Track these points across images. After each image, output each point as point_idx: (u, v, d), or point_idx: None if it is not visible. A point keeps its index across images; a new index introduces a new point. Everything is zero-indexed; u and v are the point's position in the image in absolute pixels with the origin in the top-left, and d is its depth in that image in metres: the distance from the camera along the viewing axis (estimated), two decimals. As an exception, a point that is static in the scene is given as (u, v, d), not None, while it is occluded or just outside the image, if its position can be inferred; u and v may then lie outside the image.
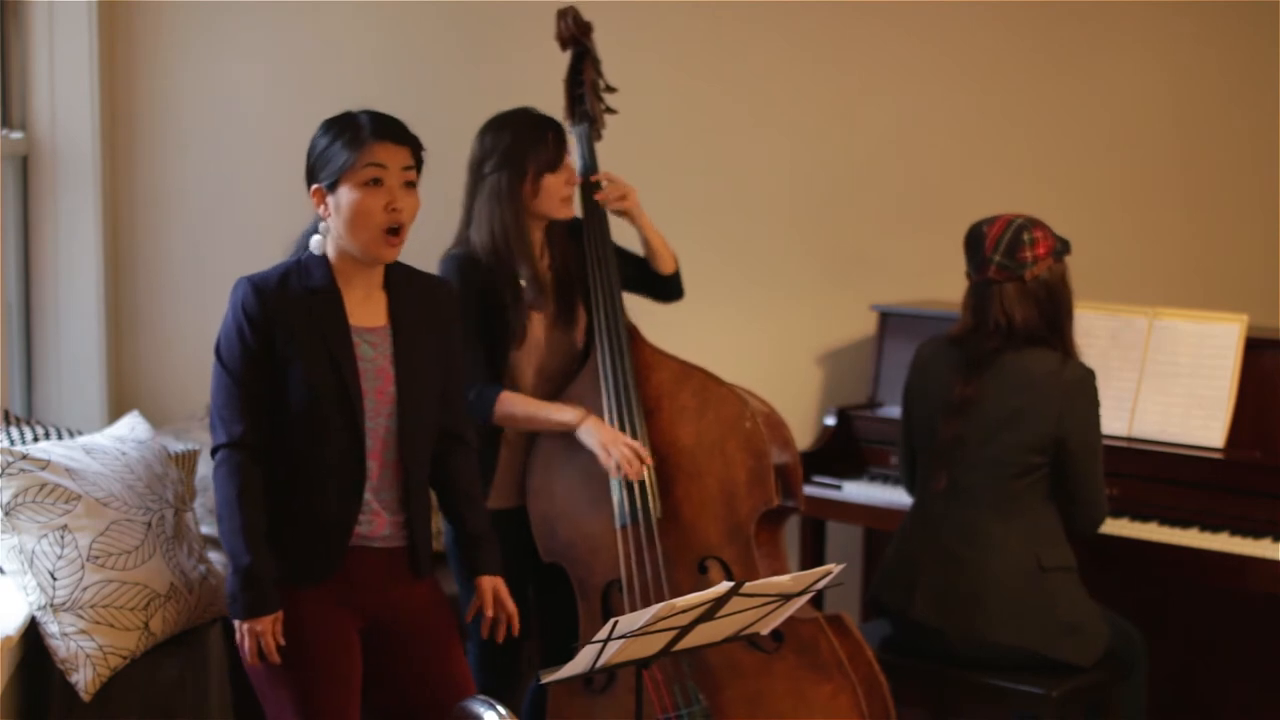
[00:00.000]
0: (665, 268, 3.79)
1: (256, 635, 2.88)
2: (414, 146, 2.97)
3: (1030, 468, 3.62)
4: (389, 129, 2.94)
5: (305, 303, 2.92)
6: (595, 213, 3.72)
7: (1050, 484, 3.64)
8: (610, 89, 3.82)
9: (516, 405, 3.55)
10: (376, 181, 2.90)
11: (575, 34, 3.80)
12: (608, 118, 3.83)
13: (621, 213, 3.74)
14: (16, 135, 4.20)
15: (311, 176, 2.97)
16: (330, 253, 2.97)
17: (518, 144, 3.56)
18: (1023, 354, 3.63)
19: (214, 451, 2.93)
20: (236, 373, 2.90)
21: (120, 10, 4.46)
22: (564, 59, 3.86)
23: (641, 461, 3.52)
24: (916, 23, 4.86)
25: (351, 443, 2.93)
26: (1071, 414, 3.60)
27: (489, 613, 3.11)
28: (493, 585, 3.11)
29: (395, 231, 2.91)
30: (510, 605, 3.12)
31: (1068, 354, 3.65)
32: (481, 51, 4.67)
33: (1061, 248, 3.68)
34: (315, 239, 2.98)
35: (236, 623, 2.90)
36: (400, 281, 3.03)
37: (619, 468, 3.50)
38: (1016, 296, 3.63)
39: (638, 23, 4.65)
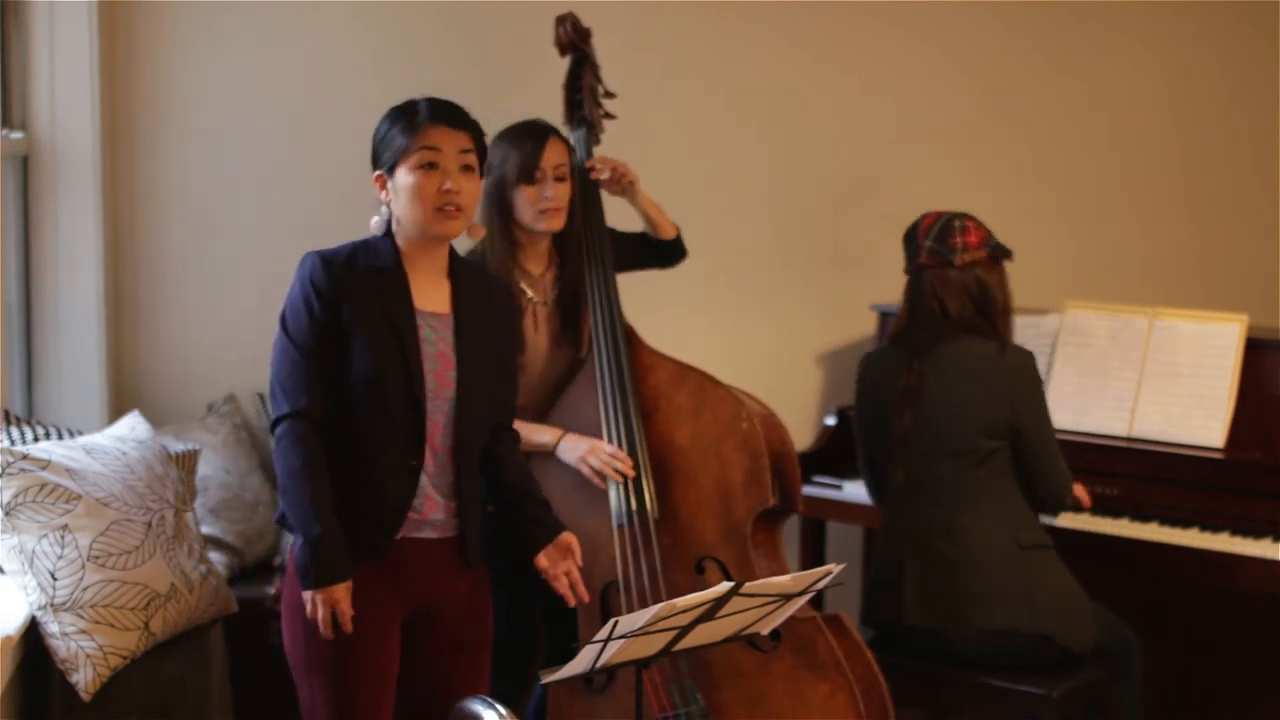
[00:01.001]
0: (666, 234, 3.82)
1: (331, 604, 2.85)
2: (473, 131, 3.00)
3: (988, 453, 3.65)
4: (445, 113, 2.98)
5: (372, 280, 2.93)
6: (591, 214, 3.71)
7: (1012, 466, 3.67)
8: (609, 94, 3.83)
9: None
10: (431, 165, 2.92)
11: (574, 40, 3.80)
12: (607, 122, 3.83)
13: (621, 193, 3.75)
14: (16, 135, 4.20)
15: (374, 163, 3.01)
16: (397, 236, 2.99)
17: (499, 155, 3.59)
18: (960, 343, 3.67)
19: (274, 424, 2.91)
20: (303, 344, 2.90)
21: (120, 10, 4.46)
22: (563, 61, 3.86)
23: (623, 461, 3.52)
24: (917, 23, 4.86)
25: (412, 421, 2.92)
26: (1020, 399, 3.64)
27: (575, 564, 3.08)
28: (569, 541, 3.09)
29: (449, 208, 2.93)
30: (579, 557, 3.10)
31: (1004, 343, 3.69)
32: (482, 52, 4.67)
33: (996, 246, 3.72)
34: (375, 220, 3.00)
35: (308, 594, 2.85)
36: (463, 272, 3.06)
37: (602, 476, 3.53)
38: (947, 282, 3.69)
39: (637, 24, 4.65)
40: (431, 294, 3.00)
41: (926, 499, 3.69)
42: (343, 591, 2.86)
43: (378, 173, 2.99)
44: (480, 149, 3.01)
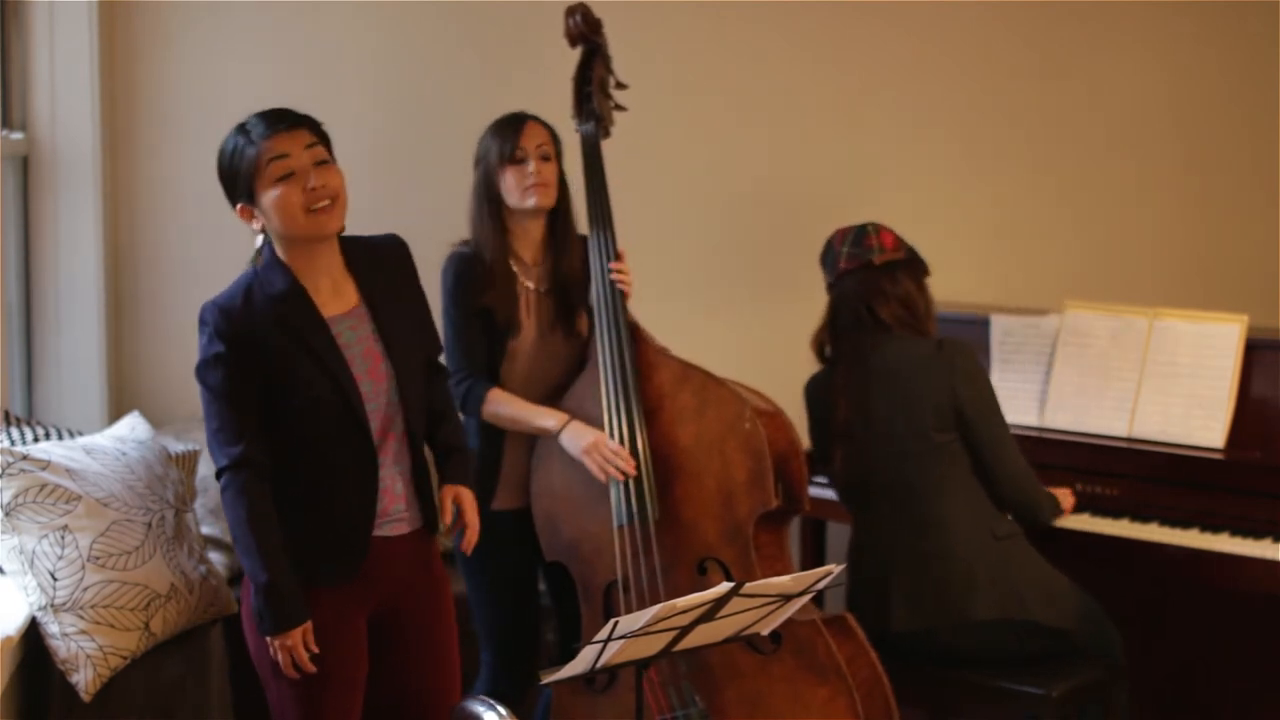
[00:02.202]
0: None
1: (288, 649, 2.88)
2: (309, 125, 2.94)
3: (941, 446, 3.66)
4: (277, 119, 2.92)
5: (274, 310, 2.91)
6: (598, 205, 3.70)
7: (971, 459, 3.69)
8: (621, 86, 3.80)
9: (504, 405, 3.57)
10: (288, 174, 2.88)
11: (585, 31, 3.77)
12: (617, 115, 3.82)
13: None
14: (16, 135, 4.20)
15: (231, 198, 2.97)
16: (283, 256, 2.95)
17: (482, 149, 3.61)
18: (895, 344, 3.70)
19: (218, 474, 2.92)
20: (225, 394, 2.88)
21: (120, 10, 4.45)
22: (564, 59, 3.85)
23: (625, 460, 3.52)
24: (918, 23, 4.86)
25: (356, 431, 2.92)
26: (961, 384, 3.65)
27: (446, 519, 3.09)
28: (454, 493, 3.11)
29: (322, 206, 2.89)
30: (472, 517, 3.11)
31: (941, 339, 3.71)
32: (482, 51, 4.67)
33: (912, 254, 3.75)
34: (259, 239, 2.97)
35: (268, 639, 2.89)
36: (359, 257, 3.03)
37: (603, 472, 3.53)
38: (869, 281, 3.71)
39: (639, 23, 4.64)
40: (337, 295, 2.97)
41: (897, 502, 3.70)
42: (298, 635, 2.88)
43: (239, 205, 2.95)
44: (324, 139, 2.95)
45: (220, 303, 2.92)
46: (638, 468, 3.56)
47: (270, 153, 2.88)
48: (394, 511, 2.99)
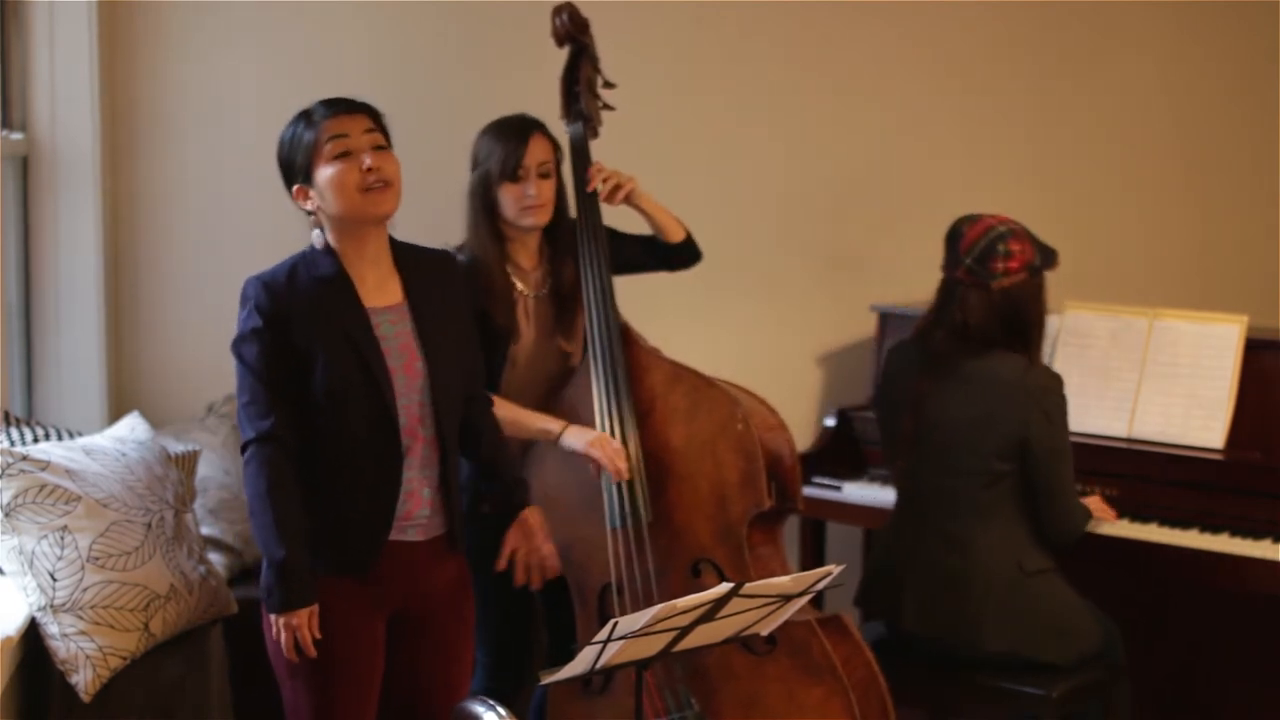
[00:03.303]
0: (673, 237, 3.76)
1: (293, 629, 2.87)
2: (369, 112, 2.99)
3: (998, 475, 3.62)
4: (338, 103, 2.98)
5: (317, 292, 2.93)
6: (587, 212, 3.70)
7: (1022, 491, 3.64)
8: (609, 85, 3.80)
9: (502, 410, 3.56)
10: (345, 153, 2.92)
11: (571, 31, 3.76)
12: (607, 116, 3.81)
13: (617, 203, 3.73)
14: (16, 135, 4.20)
15: (288, 180, 3.00)
16: (333, 242, 2.97)
17: (484, 150, 3.59)
18: (984, 359, 3.64)
19: (243, 448, 2.92)
20: (259, 370, 2.90)
21: (120, 10, 4.46)
22: (556, 58, 3.84)
23: (624, 460, 3.52)
24: (915, 23, 4.86)
25: (384, 423, 2.92)
26: (1036, 419, 3.59)
27: (521, 547, 3.16)
28: (536, 514, 3.17)
29: (377, 187, 2.91)
30: (545, 546, 3.18)
31: (1032, 361, 3.64)
32: (481, 51, 4.67)
33: (1041, 261, 3.66)
34: (315, 233, 2.99)
35: (272, 616, 2.89)
36: (409, 259, 3.05)
37: (601, 469, 3.52)
38: (977, 304, 3.63)
39: (633, 23, 4.65)
40: (381, 288, 2.99)
41: (936, 509, 3.68)
42: (305, 616, 2.87)
43: (296, 186, 2.98)
44: (383, 128, 2.99)
45: (264, 278, 2.94)
46: (630, 470, 3.55)
47: (329, 132, 2.93)
48: (417, 516, 2.99)
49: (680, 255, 3.81)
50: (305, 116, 2.98)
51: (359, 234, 2.96)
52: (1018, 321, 3.63)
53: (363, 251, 2.97)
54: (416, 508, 2.98)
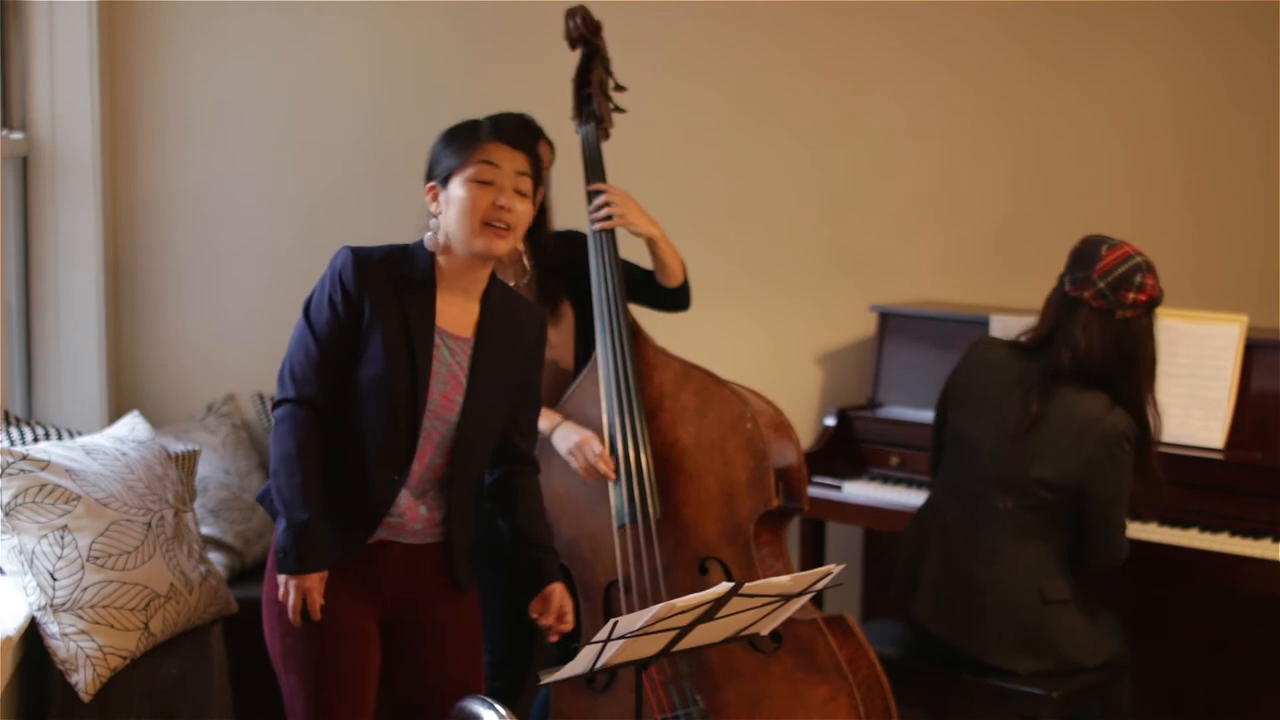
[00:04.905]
0: (670, 281, 3.76)
1: (303, 592, 2.87)
2: (530, 154, 2.98)
3: (1043, 503, 3.60)
4: (507, 131, 2.97)
5: (400, 288, 2.93)
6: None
7: (1061, 518, 3.62)
8: (621, 88, 3.80)
9: None
10: (487, 181, 2.92)
11: (584, 34, 3.77)
12: (617, 117, 3.81)
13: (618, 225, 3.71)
14: (16, 135, 4.20)
15: (428, 174, 3.00)
16: (440, 252, 2.98)
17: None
18: (1080, 393, 3.57)
19: (276, 404, 2.92)
20: (321, 336, 2.91)
21: (120, 10, 4.46)
22: (564, 60, 3.85)
23: (605, 463, 3.52)
24: (916, 24, 4.86)
25: (405, 435, 2.92)
26: (1098, 464, 3.55)
27: (551, 619, 3.10)
28: (563, 591, 3.11)
29: (499, 226, 2.91)
30: (570, 617, 3.12)
31: (1124, 401, 3.56)
32: (483, 52, 4.67)
33: (1154, 304, 3.59)
34: (428, 235, 2.99)
35: (283, 578, 2.87)
36: (496, 298, 3.03)
37: (586, 472, 3.52)
38: (1101, 332, 3.56)
39: (639, 24, 4.65)
40: (458, 315, 2.98)
41: (975, 513, 3.67)
42: (316, 580, 2.87)
43: (430, 184, 2.98)
44: (537, 173, 2.99)
45: (359, 252, 2.94)
46: (640, 468, 3.56)
47: (485, 155, 2.92)
48: (412, 528, 2.99)
49: (670, 299, 3.80)
50: (472, 127, 2.97)
51: (463, 259, 2.96)
52: (1135, 358, 3.57)
53: (459, 276, 2.97)
54: (412, 521, 2.98)
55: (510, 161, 2.94)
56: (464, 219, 2.91)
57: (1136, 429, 3.57)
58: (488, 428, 3.01)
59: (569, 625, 3.12)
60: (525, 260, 3.67)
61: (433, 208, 2.97)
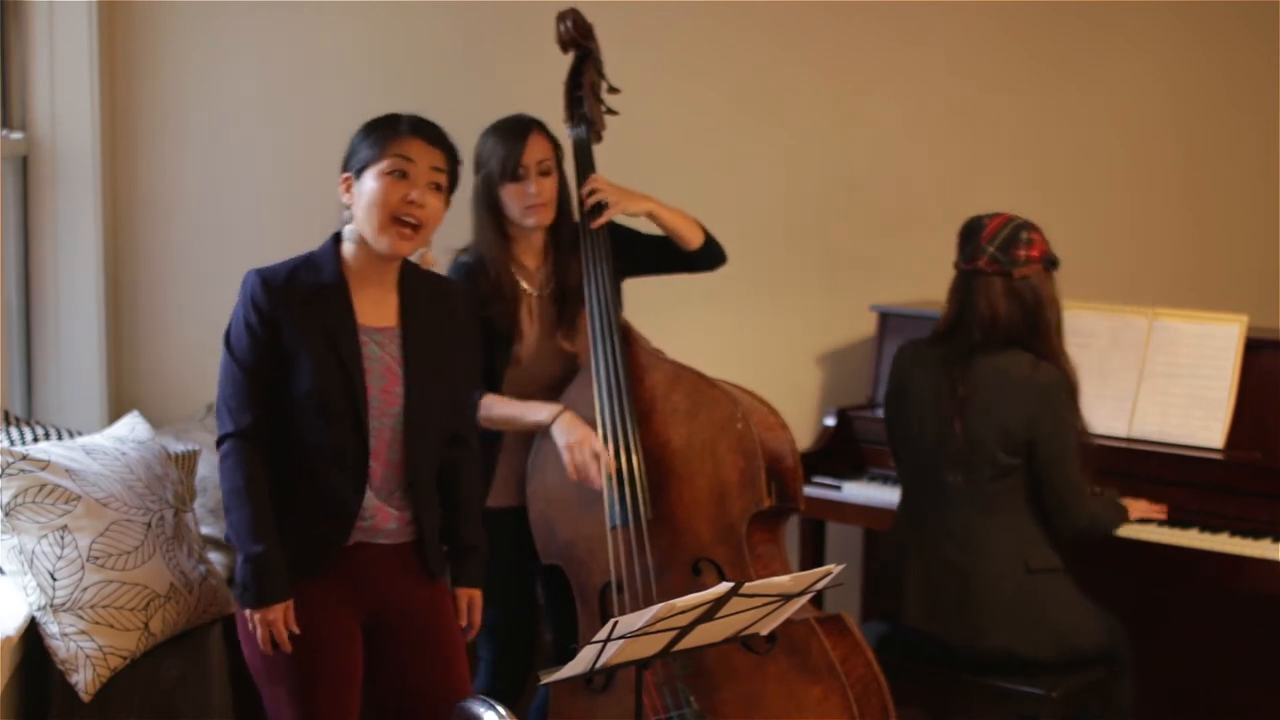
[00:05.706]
0: (690, 244, 3.73)
1: (269, 624, 2.88)
2: (448, 152, 2.98)
3: (1005, 469, 3.63)
4: (424, 129, 2.97)
5: (313, 297, 2.92)
6: (590, 215, 3.70)
7: (1032, 488, 3.65)
8: (614, 90, 3.80)
9: (495, 407, 3.56)
10: (401, 174, 2.91)
11: (576, 37, 3.78)
12: (611, 120, 3.82)
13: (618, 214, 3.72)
14: (16, 135, 4.20)
15: (344, 165, 3.00)
16: (347, 249, 2.97)
17: (486, 150, 3.59)
18: (999, 356, 3.64)
19: (220, 441, 2.93)
20: (246, 364, 2.91)
21: (120, 10, 4.46)
22: (563, 61, 3.85)
23: (607, 464, 3.51)
24: (915, 23, 4.86)
25: (355, 439, 2.92)
26: (1041, 418, 3.60)
27: (462, 622, 3.12)
28: (469, 597, 3.13)
29: (408, 224, 2.91)
30: (476, 619, 3.13)
31: (1041, 357, 3.64)
32: (482, 54, 4.67)
33: (1051, 259, 3.68)
34: (348, 228, 2.98)
35: (248, 612, 2.89)
36: (413, 283, 3.03)
37: (576, 471, 3.50)
38: (1002, 292, 3.64)
39: (638, 24, 4.65)
40: (377, 308, 2.98)
41: (943, 504, 3.69)
42: (280, 611, 2.88)
43: (345, 174, 2.98)
44: (453, 173, 2.99)
45: (264, 274, 2.94)
46: (631, 469, 3.55)
47: (401, 148, 2.92)
48: (384, 530, 2.99)
49: (699, 260, 3.78)
50: (391, 121, 2.96)
51: (370, 256, 2.96)
52: (1039, 313, 3.64)
53: (368, 269, 2.97)
54: (385, 521, 2.98)
55: (426, 157, 2.93)
56: (373, 211, 2.91)
57: (1065, 379, 3.64)
58: (434, 411, 3.01)
59: (472, 634, 3.14)
60: (548, 267, 3.66)
61: (345, 199, 2.97)
